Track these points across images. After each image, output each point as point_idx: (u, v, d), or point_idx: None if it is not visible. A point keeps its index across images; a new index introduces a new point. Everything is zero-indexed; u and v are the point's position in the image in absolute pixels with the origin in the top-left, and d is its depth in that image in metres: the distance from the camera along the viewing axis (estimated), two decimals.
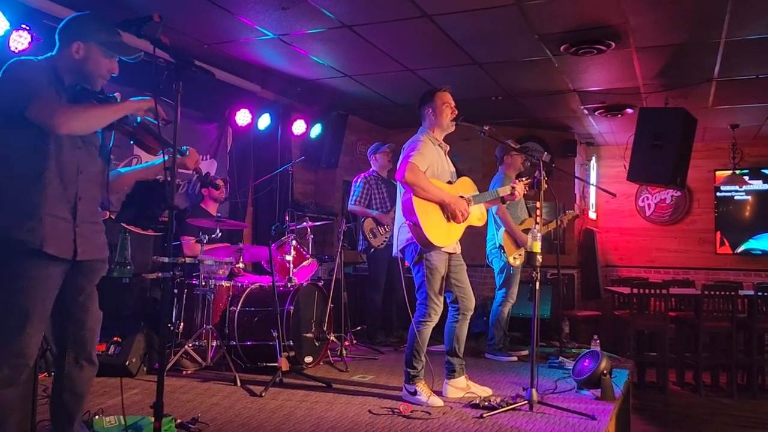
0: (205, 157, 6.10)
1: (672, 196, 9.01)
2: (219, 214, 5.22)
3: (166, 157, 2.51)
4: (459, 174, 4.12)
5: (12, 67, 2.40)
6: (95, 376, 2.65)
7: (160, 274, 2.32)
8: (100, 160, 2.62)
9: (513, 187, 4.17)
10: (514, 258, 5.38)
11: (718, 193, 8.82)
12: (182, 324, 4.62)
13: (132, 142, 2.65)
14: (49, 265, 2.40)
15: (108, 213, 3.44)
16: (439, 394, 3.91)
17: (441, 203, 3.80)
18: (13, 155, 2.38)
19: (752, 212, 8.69)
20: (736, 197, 8.76)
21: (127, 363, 4.24)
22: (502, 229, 5.36)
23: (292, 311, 4.57)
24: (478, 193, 4.10)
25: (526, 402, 3.68)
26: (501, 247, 5.36)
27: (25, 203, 2.36)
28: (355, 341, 5.91)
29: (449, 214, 3.81)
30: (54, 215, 2.40)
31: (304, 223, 5.47)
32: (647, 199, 9.21)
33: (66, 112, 2.36)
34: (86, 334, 2.57)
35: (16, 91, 2.34)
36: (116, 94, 2.57)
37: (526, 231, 5.41)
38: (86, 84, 2.52)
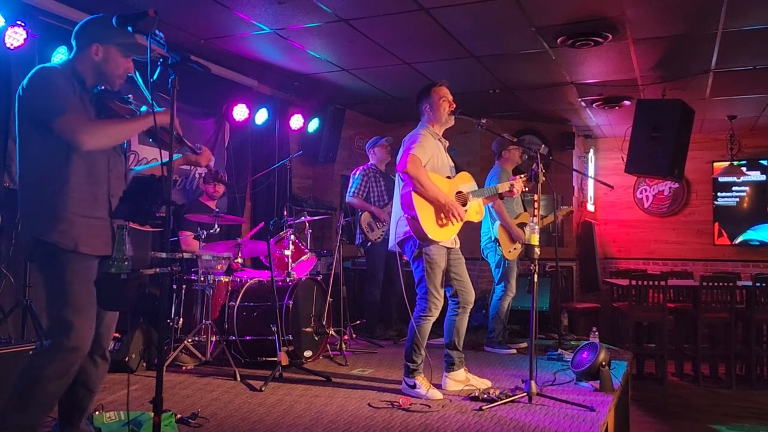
0: None
1: (670, 187, 9.01)
2: (217, 210, 5.22)
3: (179, 155, 2.66)
4: (457, 168, 4.12)
5: (38, 77, 2.46)
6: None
7: (158, 270, 2.31)
8: (123, 158, 2.71)
9: (512, 185, 4.17)
10: (510, 252, 5.38)
11: (715, 185, 8.84)
12: (181, 319, 4.63)
13: (151, 140, 2.72)
14: (88, 257, 2.48)
15: None
16: (438, 387, 3.93)
17: (437, 204, 3.79)
18: (42, 160, 2.45)
19: (750, 203, 8.70)
20: (734, 188, 8.77)
21: (126, 359, 4.24)
22: (498, 222, 5.36)
23: (291, 306, 4.57)
24: (476, 188, 4.10)
25: (525, 394, 3.70)
26: (496, 240, 5.36)
27: (55, 206, 2.42)
28: (354, 335, 5.92)
29: (443, 215, 3.81)
30: (86, 216, 2.47)
31: (303, 218, 5.47)
32: (645, 191, 9.22)
33: (90, 129, 2.43)
34: (103, 331, 2.62)
35: (44, 102, 2.41)
36: (130, 96, 2.64)
37: (522, 225, 5.42)
38: (105, 84, 2.59)
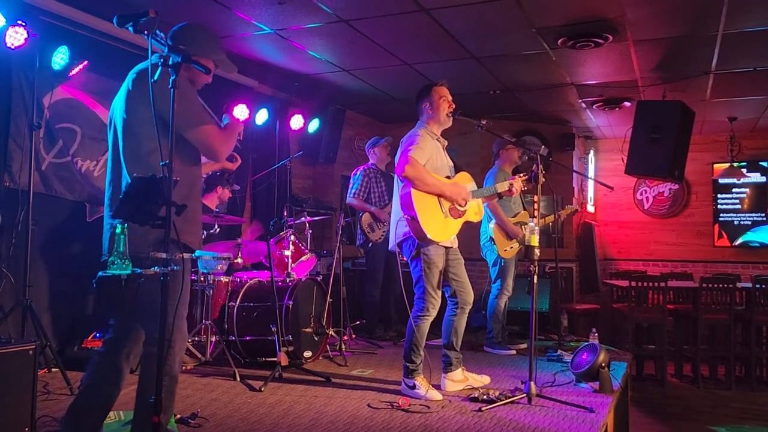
0: None
1: (670, 189, 9.02)
2: (217, 210, 5.22)
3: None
4: (457, 168, 4.13)
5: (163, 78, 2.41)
6: None
7: (158, 270, 2.31)
8: None
9: (511, 184, 4.18)
10: (505, 250, 5.38)
11: (715, 186, 8.84)
12: None
13: None
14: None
15: None
16: (438, 388, 3.93)
17: (441, 194, 3.83)
18: (176, 165, 2.49)
19: (750, 205, 8.70)
20: (734, 190, 8.77)
21: None
22: (493, 221, 5.37)
23: (290, 306, 4.57)
24: (476, 188, 4.11)
25: (524, 395, 3.70)
26: (492, 239, 5.37)
27: (188, 209, 2.43)
28: (353, 336, 5.92)
29: (451, 200, 3.85)
30: (198, 219, 2.64)
31: (303, 218, 5.47)
32: (645, 192, 9.22)
33: (227, 140, 2.67)
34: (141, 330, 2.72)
35: (187, 111, 2.49)
36: None
37: (520, 224, 5.42)
38: None
